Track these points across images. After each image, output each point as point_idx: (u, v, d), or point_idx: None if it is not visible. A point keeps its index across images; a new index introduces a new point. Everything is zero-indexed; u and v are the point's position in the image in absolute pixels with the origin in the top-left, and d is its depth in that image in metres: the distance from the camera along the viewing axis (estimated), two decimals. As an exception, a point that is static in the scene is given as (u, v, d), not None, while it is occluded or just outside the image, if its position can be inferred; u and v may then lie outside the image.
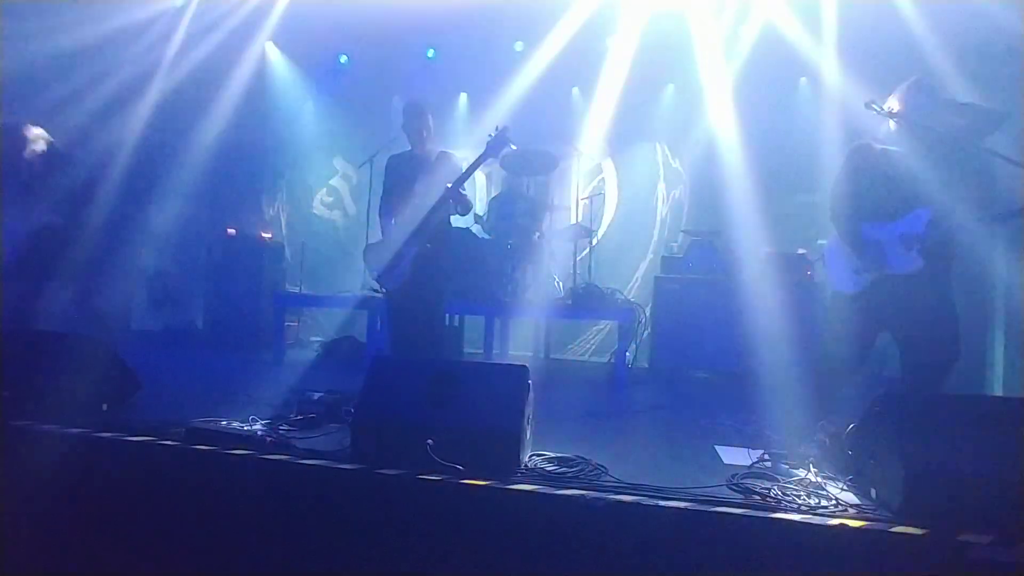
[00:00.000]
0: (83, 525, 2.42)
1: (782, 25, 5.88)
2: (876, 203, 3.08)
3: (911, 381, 3.00)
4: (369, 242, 3.96)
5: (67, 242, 4.05)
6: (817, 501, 2.17)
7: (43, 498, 2.43)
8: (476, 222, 5.66)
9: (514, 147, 3.77)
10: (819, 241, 5.17)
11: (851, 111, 3.73)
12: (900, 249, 3.00)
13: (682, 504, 2.12)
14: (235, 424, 2.88)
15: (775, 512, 2.09)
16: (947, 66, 4.73)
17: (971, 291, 4.58)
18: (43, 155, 4.08)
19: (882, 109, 3.06)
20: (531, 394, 2.67)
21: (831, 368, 3.20)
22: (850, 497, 2.26)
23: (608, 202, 7.24)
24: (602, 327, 6.86)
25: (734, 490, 2.30)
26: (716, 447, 3.00)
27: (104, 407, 3.06)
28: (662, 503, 2.13)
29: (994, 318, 4.71)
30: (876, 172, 3.09)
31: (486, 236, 5.63)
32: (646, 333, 5.55)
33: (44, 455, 2.53)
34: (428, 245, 3.73)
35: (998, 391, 4.59)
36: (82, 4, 5.86)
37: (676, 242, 6.36)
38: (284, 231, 7.82)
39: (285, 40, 7.15)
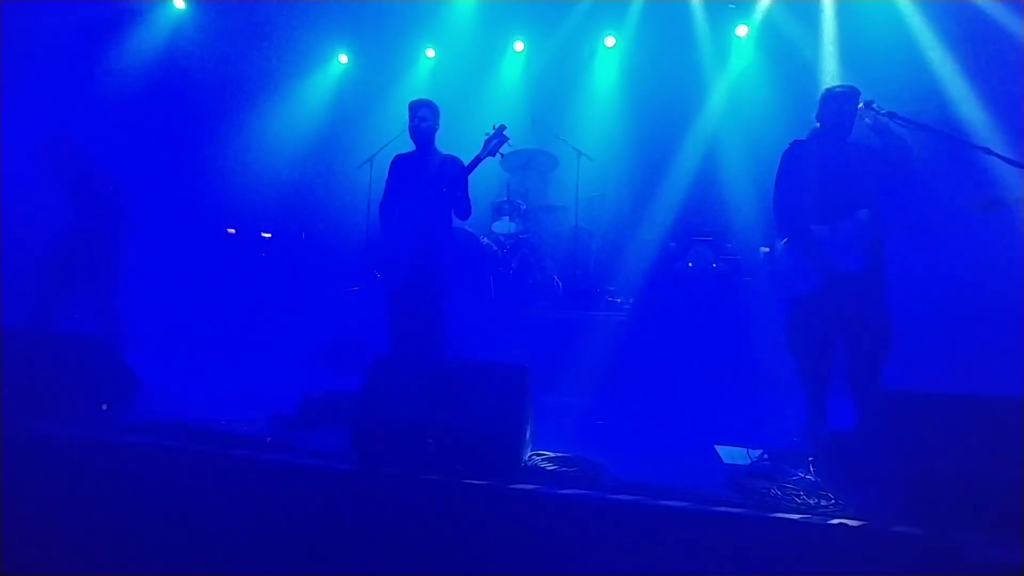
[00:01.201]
0: (83, 525, 2.42)
1: (782, 25, 5.90)
2: (820, 202, 3.11)
3: (852, 375, 3.06)
4: (370, 241, 3.95)
5: (92, 246, 4.08)
6: (817, 501, 2.17)
7: (43, 498, 2.43)
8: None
9: (511, 146, 3.76)
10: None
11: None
12: (846, 248, 3.04)
13: (682, 504, 2.12)
14: (235, 424, 2.89)
15: (775, 512, 2.09)
16: (947, 66, 4.73)
17: (969, 289, 4.58)
18: (84, 163, 4.12)
19: (881, 109, 3.06)
20: (531, 394, 2.67)
21: (807, 369, 3.21)
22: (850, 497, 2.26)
23: (608, 202, 7.22)
24: (602, 327, 6.84)
25: (734, 490, 2.30)
26: (716, 447, 3.00)
27: (104, 407, 3.06)
28: (662, 503, 2.13)
29: (993, 317, 4.70)
30: (816, 171, 3.13)
31: (486, 237, 5.63)
32: (646, 333, 5.54)
33: (44, 455, 2.54)
34: (428, 245, 3.73)
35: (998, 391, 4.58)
36: (84, 3, 5.87)
37: (676, 242, 6.35)
38: (284, 231, 7.80)
39: (286, 40, 7.16)
